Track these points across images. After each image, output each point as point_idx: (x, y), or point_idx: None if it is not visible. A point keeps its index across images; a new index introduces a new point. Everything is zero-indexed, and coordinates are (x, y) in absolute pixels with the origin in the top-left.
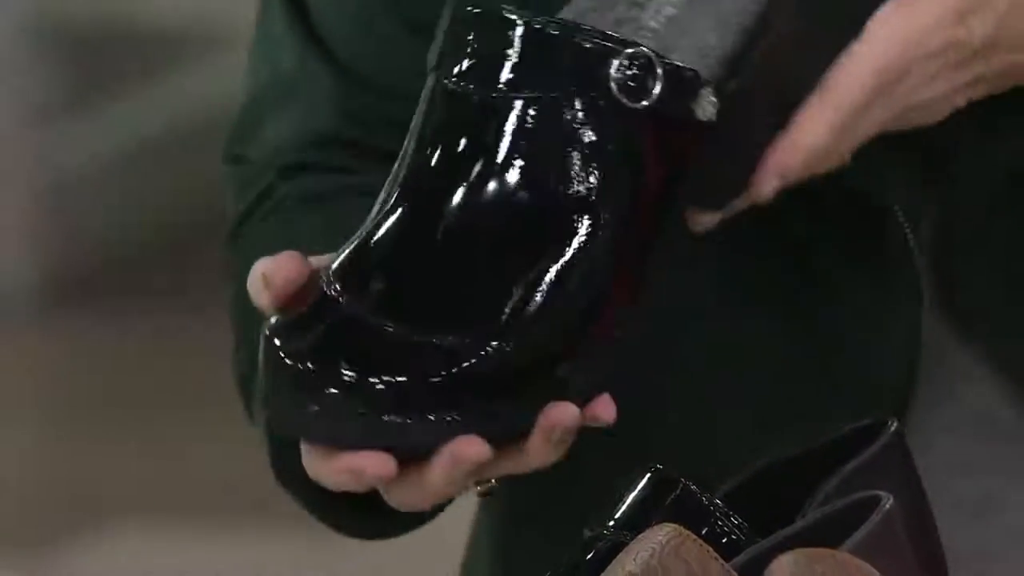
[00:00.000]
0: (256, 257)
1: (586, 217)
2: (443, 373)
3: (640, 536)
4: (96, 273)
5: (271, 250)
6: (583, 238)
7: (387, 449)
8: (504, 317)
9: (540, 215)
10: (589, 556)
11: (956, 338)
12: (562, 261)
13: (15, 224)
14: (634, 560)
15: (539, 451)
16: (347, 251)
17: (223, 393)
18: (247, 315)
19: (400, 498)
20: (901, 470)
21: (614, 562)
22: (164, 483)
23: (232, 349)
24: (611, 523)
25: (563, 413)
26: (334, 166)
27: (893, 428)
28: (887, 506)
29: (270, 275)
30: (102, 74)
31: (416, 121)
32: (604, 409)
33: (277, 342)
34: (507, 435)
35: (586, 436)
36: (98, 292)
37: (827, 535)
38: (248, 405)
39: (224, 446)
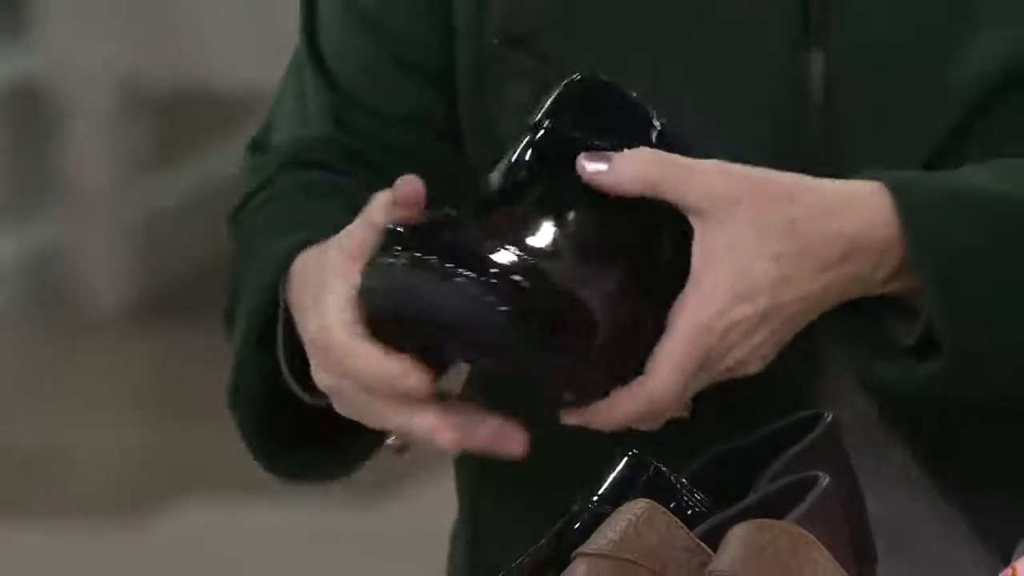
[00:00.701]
0: (255, 236)
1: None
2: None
3: (619, 509)
4: (179, 291)
5: (267, 229)
6: (650, 231)
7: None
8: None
9: (617, 219)
10: (576, 525)
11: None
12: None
13: (114, 254)
14: (614, 529)
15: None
16: (484, 197)
17: None
18: (242, 279)
19: None
20: (836, 454)
21: (597, 531)
22: (235, 461)
23: (227, 302)
24: (595, 498)
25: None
26: (330, 165)
27: (829, 419)
28: (824, 484)
29: (400, 185)
30: (182, 135)
31: (521, 150)
32: None
33: (404, 233)
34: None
35: (556, 432)
36: (180, 306)
37: (774, 508)
38: (229, 326)
39: None
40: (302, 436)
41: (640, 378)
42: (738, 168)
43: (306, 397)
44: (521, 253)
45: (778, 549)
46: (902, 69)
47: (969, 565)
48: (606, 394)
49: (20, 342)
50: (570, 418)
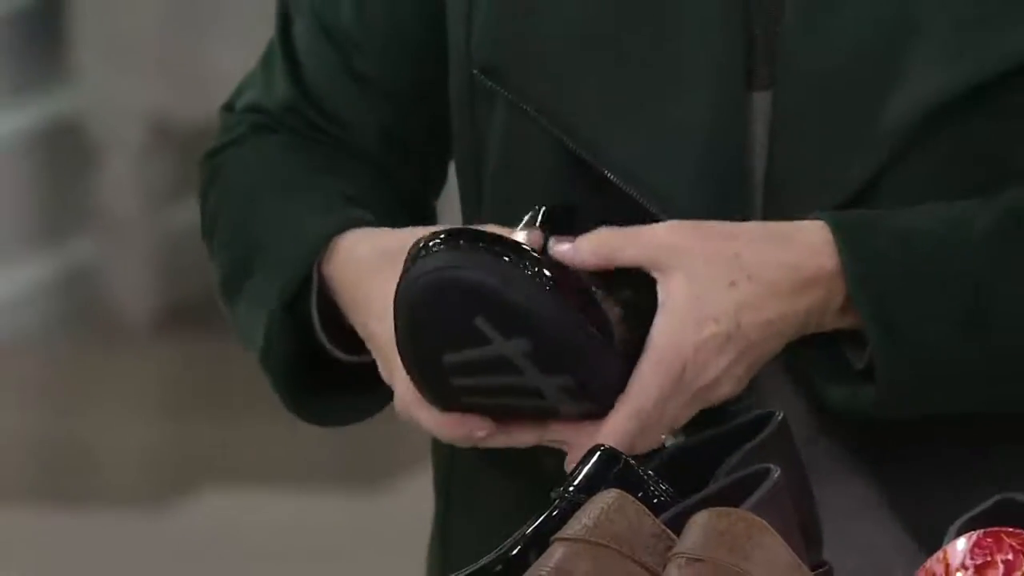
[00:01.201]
0: (244, 170)
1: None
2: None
3: (592, 498)
4: (199, 305)
5: (254, 167)
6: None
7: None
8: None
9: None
10: (554, 513)
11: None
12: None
13: (143, 272)
14: (588, 516)
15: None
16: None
17: None
18: (242, 197)
19: None
20: (786, 449)
21: (573, 517)
22: (248, 456)
23: (209, 221)
24: (571, 488)
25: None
26: (297, 131)
27: (780, 418)
28: (776, 476)
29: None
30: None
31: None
32: None
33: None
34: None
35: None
36: (200, 318)
37: (732, 498)
38: (210, 233)
39: (295, 429)
40: (328, 384)
41: (624, 394)
42: (684, 222)
43: (342, 355)
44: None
45: (735, 534)
46: (840, 110)
47: (890, 548)
48: (602, 402)
49: (59, 349)
50: (569, 434)
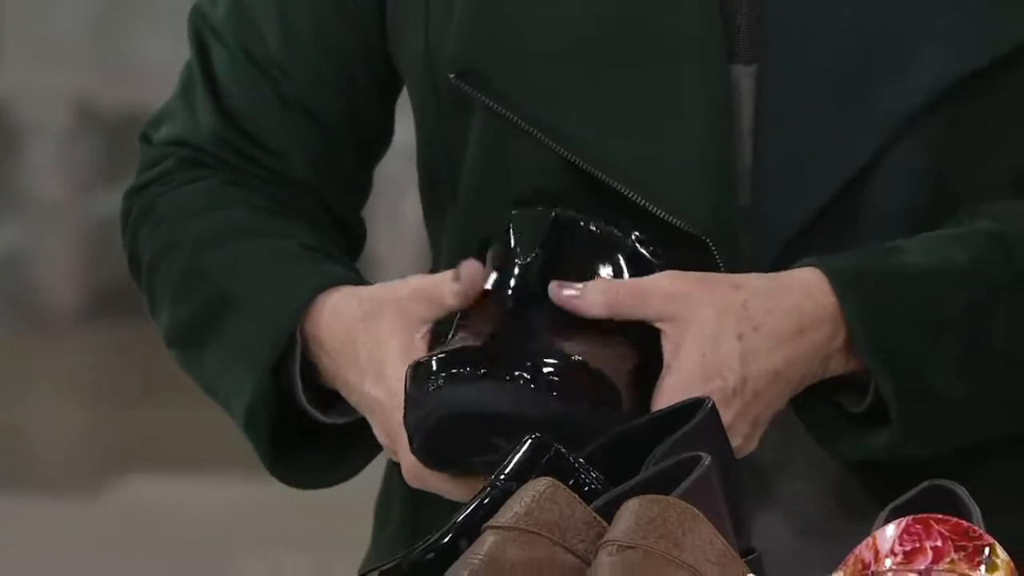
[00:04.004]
0: (185, 213)
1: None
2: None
3: (524, 486)
4: (124, 292)
5: (196, 210)
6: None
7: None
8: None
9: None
10: (485, 501)
11: None
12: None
13: (68, 259)
14: (520, 504)
15: None
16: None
17: None
18: (180, 230)
19: None
20: (716, 437)
21: (504, 505)
22: (176, 440)
23: (149, 264)
24: (502, 476)
25: None
26: (226, 159)
27: (710, 405)
28: (706, 463)
29: (463, 274)
30: (129, 152)
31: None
32: None
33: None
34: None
35: None
36: (127, 304)
37: (662, 485)
38: (149, 276)
39: (223, 415)
40: (308, 446)
41: None
42: (684, 273)
43: (324, 419)
44: (556, 355)
45: (666, 520)
46: (833, 89)
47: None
48: None
49: None
50: None
